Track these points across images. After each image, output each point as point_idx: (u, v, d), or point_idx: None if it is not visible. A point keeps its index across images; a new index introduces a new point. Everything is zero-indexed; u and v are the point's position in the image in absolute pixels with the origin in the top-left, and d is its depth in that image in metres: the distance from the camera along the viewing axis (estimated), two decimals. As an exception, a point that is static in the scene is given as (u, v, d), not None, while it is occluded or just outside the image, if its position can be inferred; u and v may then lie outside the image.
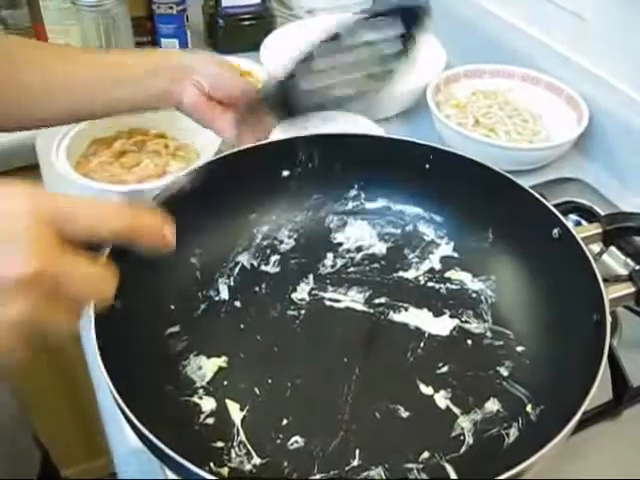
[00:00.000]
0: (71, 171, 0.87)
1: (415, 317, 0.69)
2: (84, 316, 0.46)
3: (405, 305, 0.71)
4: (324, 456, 0.58)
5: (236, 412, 0.61)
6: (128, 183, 0.88)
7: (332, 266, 0.75)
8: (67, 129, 0.91)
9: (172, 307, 0.68)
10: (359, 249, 0.76)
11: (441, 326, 0.69)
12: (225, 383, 0.63)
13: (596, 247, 0.75)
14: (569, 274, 0.64)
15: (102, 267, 0.45)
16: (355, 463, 0.57)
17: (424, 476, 0.56)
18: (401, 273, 0.74)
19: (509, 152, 0.94)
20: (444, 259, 0.75)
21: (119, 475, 0.64)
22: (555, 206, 0.68)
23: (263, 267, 0.74)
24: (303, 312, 0.70)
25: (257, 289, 0.72)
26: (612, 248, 0.79)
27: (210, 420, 0.60)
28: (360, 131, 0.90)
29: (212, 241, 0.73)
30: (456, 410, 0.61)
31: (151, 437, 0.49)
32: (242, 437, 0.59)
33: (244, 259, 0.75)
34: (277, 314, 0.70)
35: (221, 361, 0.65)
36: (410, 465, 0.57)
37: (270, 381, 0.63)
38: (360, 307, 0.71)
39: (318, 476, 0.56)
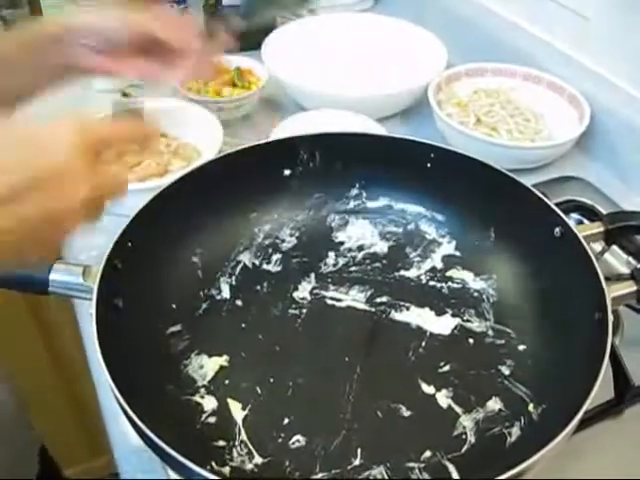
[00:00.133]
0: (72, 170, 0.87)
1: (417, 316, 0.69)
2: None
3: (407, 304, 0.70)
4: (326, 455, 0.58)
5: (237, 411, 0.61)
6: (129, 182, 0.87)
7: (334, 265, 0.75)
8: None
9: (173, 306, 0.68)
10: (360, 248, 0.76)
11: (443, 325, 0.69)
12: (226, 382, 0.63)
13: (598, 246, 0.75)
14: (571, 273, 0.64)
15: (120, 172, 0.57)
16: (357, 462, 0.57)
17: (426, 475, 0.56)
18: (403, 272, 0.74)
19: (511, 151, 0.94)
20: (446, 258, 0.75)
21: (121, 474, 0.64)
22: (557, 205, 0.68)
23: (265, 266, 0.74)
24: (304, 311, 0.70)
25: (258, 288, 0.72)
26: (614, 247, 0.79)
27: (212, 419, 0.60)
28: (361, 130, 0.90)
29: (213, 240, 0.73)
30: (458, 409, 0.61)
31: (152, 436, 0.49)
32: (244, 436, 0.59)
33: (245, 258, 0.74)
34: (278, 313, 0.70)
35: (222, 360, 0.65)
36: (412, 464, 0.57)
37: (272, 380, 0.63)
38: (361, 306, 0.71)
39: (320, 475, 0.56)
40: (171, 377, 0.63)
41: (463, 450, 0.58)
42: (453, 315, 0.70)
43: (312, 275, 0.73)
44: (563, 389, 0.58)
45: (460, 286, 0.72)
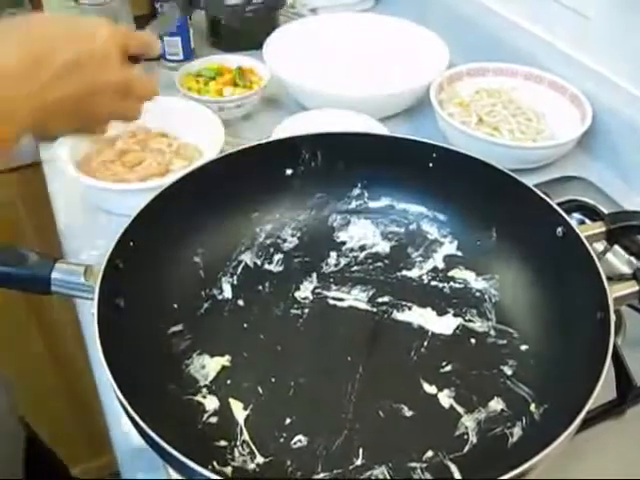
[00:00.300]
0: (74, 170, 0.87)
1: (419, 316, 0.69)
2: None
3: (409, 304, 0.70)
4: (327, 455, 0.58)
5: (239, 411, 0.61)
6: (131, 182, 0.88)
7: (335, 265, 0.75)
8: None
9: (175, 306, 0.68)
10: (362, 248, 0.76)
11: (445, 325, 0.69)
12: (228, 382, 0.63)
13: (600, 246, 0.75)
14: (573, 273, 0.64)
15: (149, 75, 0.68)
16: (359, 462, 0.57)
17: (428, 475, 0.56)
18: (405, 272, 0.74)
19: (513, 151, 0.94)
20: (448, 258, 0.75)
21: (122, 474, 0.64)
22: (558, 205, 0.68)
23: (266, 266, 0.74)
24: (306, 311, 0.70)
25: (260, 288, 0.72)
26: (615, 247, 0.79)
27: (213, 419, 0.60)
28: (363, 130, 0.90)
29: (215, 240, 0.73)
30: (460, 409, 0.61)
31: (154, 436, 0.49)
32: (245, 436, 0.59)
33: (247, 258, 0.74)
34: (280, 313, 0.70)
35: (224, 360, 0.65)
36: (414, 464, 0.57)
37: (273, 380, 0.63)
38: (363, 306, 0.71)
39: (321, 475, 0.56)
40: (173, 377, 0.63)
41: (465, 450, 0.58)
42: (455, 315, 0.69)
43: (314, 275, 0.73)
44: (565, 389, 0.58)
45: (462, 286, 0.72)
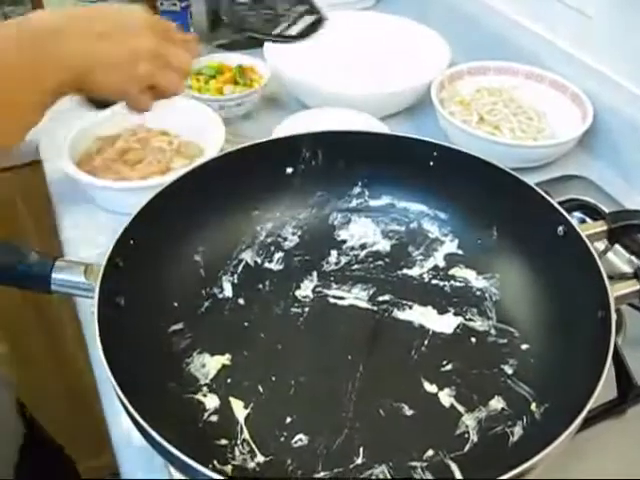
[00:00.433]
0: (74, 169, 0.87)
1: (419, 315, 0.69)
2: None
3: (409, 303, 0.70)
4: (328, 454, 0.58)
5: (240, 410, 0.61)
6: (131, 180, 0.88)
7: (336, 263, 0.74)
8: (71, 127, 0.91)
9: (175, 304, 0.68)
10: (363, 246, 0.76)
11: (445, 324, 0.68)
12: (229, 381, 0.63)
13: (601, 245, 0.75)
14: (574, 272, 0.64)
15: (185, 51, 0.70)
16: (359, 461, 0.57)
17: (428, 474, 0.56)
18: (405, 270, 0.74)
19: (513, 149, 0.94)
20: (448, 256, 0.75)
21: (121, 474, 0.64)
22: (559, 204, 0.68)
23: (267, 264, 0.74)
24: (307, 309, 0.70)
25: (261, 286, 0.72)
26: (616, 246, 0.78)
27: (214, 418, 0.60)
28: (364, 128, 0.90)
29: (215, 238, 0.73)
30: (460, 408, 0.61)
31: (155, 435, 0.48)
32: (246, 435, 0.59)
33: (248, 256, 0.74)
34: (281, 311, 0.69)
35: (225, 359, 0.65)
36: (414, 463, 0.57)
37: (274, 379, 0.63)
38: (364, 304, 0.70)
39: (322, 474, 0.56)
40: (173, 375, 0.63)
41: (466, 449, 0.58)
42: (455, 314, 0.69)
43: (314, 273, 0.73)
44: (566, 388, 0.58)
45: (463, 285, 0.72)
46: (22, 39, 0.60)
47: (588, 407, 0.50)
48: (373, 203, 0.79)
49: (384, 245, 0.76)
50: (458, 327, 0.68)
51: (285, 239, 0.77)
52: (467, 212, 0.75)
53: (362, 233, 0.77)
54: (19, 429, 0.92)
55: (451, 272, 0.73)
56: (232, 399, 0.62)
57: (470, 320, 0.69)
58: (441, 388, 0.63)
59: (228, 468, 0.56)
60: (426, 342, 0.67)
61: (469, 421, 0.60)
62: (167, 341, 0.65)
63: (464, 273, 0.73)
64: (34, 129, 0.60)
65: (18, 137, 0.60)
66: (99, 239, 0.84)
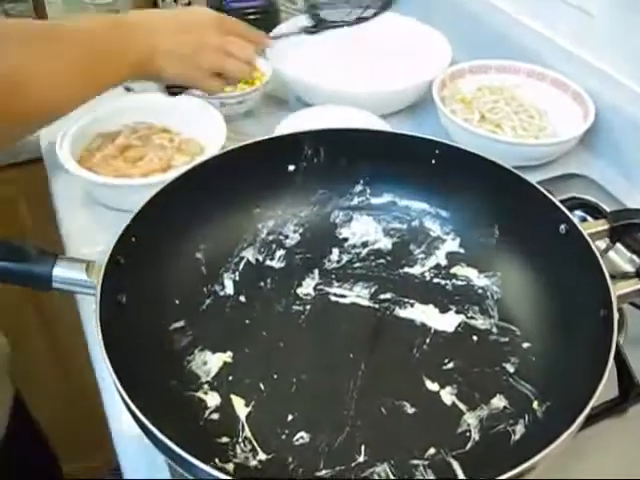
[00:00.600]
0: (75, 165, 0.87)
1: (421, 313, 0.69)
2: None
3: (411, 301, 0.70)
4: (330, 452, 0.57)
5: (241, 407, 0.61)
6: (132, 177, 0.87)
7: (337, 261, 0.74)
8: (71, 123, 0.91)
9: (177, 302, 0.68)
10: (365, 244, 0.76)
11: (447, 322, 0.68)
12: (230, 378, 0.63)
13: (601, 244, 0.75)
14: (576, 270, 0.64)
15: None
16: (361, 459, 0.57)
17: (430, 472, 0.56)
18: (407, 269, 0.74)
19: (515, 148, 0.94)
20: (450, 255, 0.75)
21: (123, 472, 0.64)
22: (560, 202, 0.68)
23: (268, 262, 0.74)
24: (308, 307, 0.70)
25: (262, 284, 0.72)
26: (617, 245, 0.78)
27: (215, 415, 0.60)
28: (366, 126, 0.90)
29: (217, 236, 0.73)
30: (462, 406, 0.61)
31: (156, 432, 0.48)
32: (247, 433, 0.59)
33: (249, 254, 0.74)
34: (282, 309, 0.69)
35: (226, 356, 0.65)
36: (416, 461, 0.57)
37: (275, 376, 0.63)
38: (366, 303, 0.70)
39: (324, 472, 0.56)
40: (174, 373, 0.62)
41: (467, 447, 0.58)
42: (457, 312, 0.69)
43: (316, 271, 0.73)
44: (568, 387, 0.58)
45: (464, 283, 0.72)
46: (115, 28, 0.80)
47: (590, 406, 0.50)
48: (375, 201, 0.79)
49: (385, 243, 0.76)
50: (459, 325, 0.68)
51: (286, 237, 0.76)
52: (469, 210, 0.75)
53: (364, 231, 0.77)
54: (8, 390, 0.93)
55: (453, 270, 0.73)
56: (233, 397, 0.62)
57: (472, 318, 0.69)
58: (443, 386, 0.63)
59: (230, 466, 0.56)
60: (427, 340, 0.67)
61: (471, 419, 0.60)
62: (168, 339, 0.65)
63: (465, 271, 0.73)
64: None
65: (99, 92, 0.80)
66: (100, 236, 0.84)
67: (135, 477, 0.62)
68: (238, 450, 0.57)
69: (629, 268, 0.81)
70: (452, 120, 0.96)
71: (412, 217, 0.78)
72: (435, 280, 0.73)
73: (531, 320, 0.67)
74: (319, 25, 1.09)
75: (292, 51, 1.12)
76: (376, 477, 0.56)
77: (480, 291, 0.71)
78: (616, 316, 0.56)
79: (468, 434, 0.59)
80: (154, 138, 0.95)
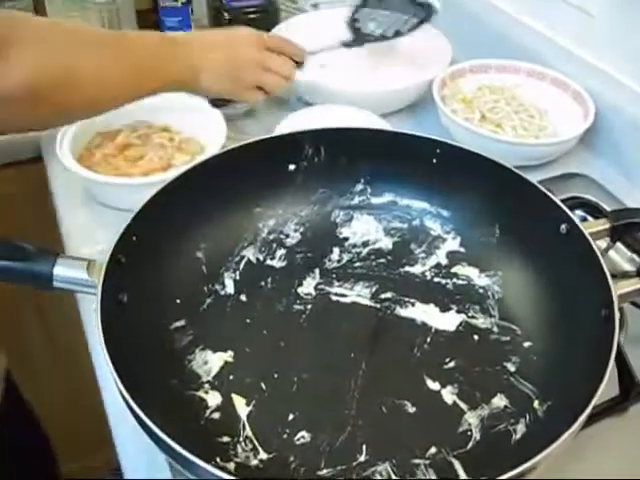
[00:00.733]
0: (75, 164, 0.87)
1: (422, 312, 0.69)
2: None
3: (411, 300, 0.70)
4: (331, 451, 0.58)
5: (242, 407, 0.61)
6: (133, 176, 0.87)
7: (338, 261, 0.74)
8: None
9: (178, 301, 0.68)
10: (365, 244, 0.76)
11: (448, 321, 0.68)
12: (231, 378, 0.63)
13: (602, 243, 0.75)
14: (577, 270, 0.64)
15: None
16: (362, 458, 0.57)
17: (431, 471, 0.56)
18: (407, 268, 0.74)
19: (515, 147, 0.94)
20: (451, 254, 0.75)
21: (124, 472, 0.63)
22: (561, 202, 0.68)
23: (269, 261, 0.74)
24: (309, 307, 0.70)
25: (263, 283, 0.72)
26: (618, 244, 0.78)
27: (216, 415, 0.60)
28: (367, 125, 0.90)
29: (217, 235, 0.73)
30: (463, 406, 0.61)
31: (157, 431, 0.48)
32: (248, 432, 0.59)
33: (250, 253, 0.74)
34: (283, 308, 0.69)
35: (227, 355, 0.65)
36: (417, 460, 0.57)
37: (276, 376, 0.63)
38: (366, 302, 0.70)
39: (325, 471, 0.56)
40: (175, 372, 0.62)
41: (468, 446, 0.58)
42: (458, 311, 0.69)
43: (317, 271, 0.73)
44: (569, 386, 0.58)
45: (465, 282, 0.72)
46: (163, 45, 0.85)
47: (591, 405, 0.50)
48: (375, 200, 0.79)
49: (386, 243, 0.76)
50: (460, 325, 0.68)
51: (287, 236, 0.76)
52: (469, 210, 0.75)
53: (364, 230, 0.77)
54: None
55: (453, 270, 0.73)
56: (234, 396, 0.62)
57: (472, 318, 0.69)
58: (444, 386, 0.63)
59: (231, 465, 0.56)
60: (428, 340, 0.67)
61: (472, 419, 0.60)
62: (169, 338, 0.65)
63: (466, 271, 0.73)
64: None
65: (139, 99, 0.83)
66: (100, 235, 0.84)
67: (135, 477, 0.62)
68: (239, 449, 0.57)
69: (630, 267, 0.81)
70: (453, 120, 0.96)
71: (413, 216, 0.78)
72: (436, 279, 0.73)
73: (532, 319, 0.67)
74: (357, 39, 1.07)
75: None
76: (377, 476, 0.56)
77: (481, 290, 0.71)
78: (617, 316, 0.56)
79: (469, 433, 0.59)
80: (154, 137, 0.95)
